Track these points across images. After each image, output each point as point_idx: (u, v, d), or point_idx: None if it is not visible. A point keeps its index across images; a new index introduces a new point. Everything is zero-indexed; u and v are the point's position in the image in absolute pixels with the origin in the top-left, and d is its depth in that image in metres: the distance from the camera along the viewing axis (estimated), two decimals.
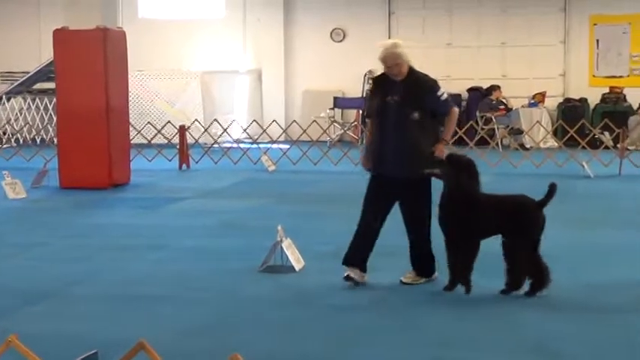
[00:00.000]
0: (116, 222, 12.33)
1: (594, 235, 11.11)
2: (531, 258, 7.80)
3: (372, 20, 24.70)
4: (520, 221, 7.80)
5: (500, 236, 7.87)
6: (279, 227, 8.93)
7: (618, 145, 18.17)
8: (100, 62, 15.43)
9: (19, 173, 15.46)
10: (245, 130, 21.08)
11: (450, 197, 7.90)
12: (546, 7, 24.11)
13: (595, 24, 23.81)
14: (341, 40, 25.17)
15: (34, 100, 24.28)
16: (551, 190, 7.84)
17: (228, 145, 20.50)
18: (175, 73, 24.36)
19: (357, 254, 8.27)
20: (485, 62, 24.34)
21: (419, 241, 8.31)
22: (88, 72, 15.37)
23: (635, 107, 22.44)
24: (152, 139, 20.32)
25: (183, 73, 24.44)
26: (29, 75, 24.36)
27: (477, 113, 22.65)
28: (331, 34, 25.16)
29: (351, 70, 24.39)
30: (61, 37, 15.78)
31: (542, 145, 20.84)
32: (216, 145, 20.36)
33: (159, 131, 20.42)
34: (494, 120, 22.17)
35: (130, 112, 17.40)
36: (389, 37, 22.44)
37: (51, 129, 22.52)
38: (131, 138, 17.48)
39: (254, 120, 22.04)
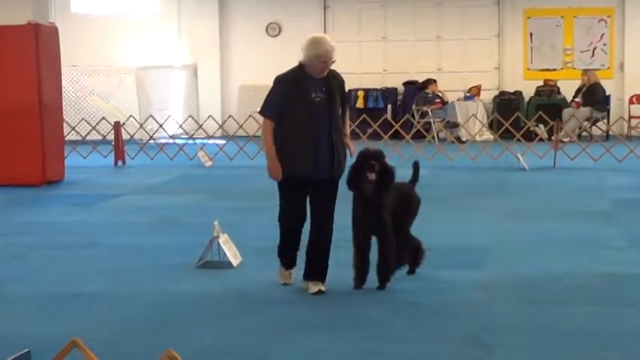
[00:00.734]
0: (50, 220, 12.17)
1: (529, 226, 11.21)
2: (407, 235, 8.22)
3: (308, 15, 24.64)
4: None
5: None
6: (216, 223, 8.88)
7: (552, 138, 18.35)
8: (32, 58, 15.23)
9: None
10: (181, 126, 20.95)
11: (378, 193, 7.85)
12: (481, 1, 24.26)
13: (529, 17, 24.04)
14: (276, 35, 25.10)
15: None
16: (415, 169, 8.46)
17: (164, 140, 20.33)
18: (109, 68, 24.12)
19: (293, 255, 8.11)
20: (420, 56, 24.42)
21: (326, 234, 7.85)
22: (20, 68, 15.17)
23: (568, 100, 22.69)
24: (87, 135, 20.10)
25: (117, 68, 24.20)
26: None
27: (413, 107, 22.74)
28: (267, 28, 25.07)
29: (287, 64, 23.34)
30: None
31: (477, 138, 20.99)
32: (152, 141, 20.19)
33: (93, 127, 20.21)
34: (430, 113, 22.28)
35: (64, 108, 17.26)
36: (324, 32, 22.46)
37: None
38: (65, 134, 17.30)
39: (190, 115, 21.93)
